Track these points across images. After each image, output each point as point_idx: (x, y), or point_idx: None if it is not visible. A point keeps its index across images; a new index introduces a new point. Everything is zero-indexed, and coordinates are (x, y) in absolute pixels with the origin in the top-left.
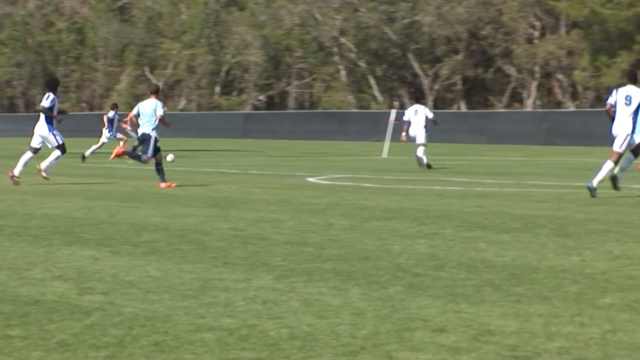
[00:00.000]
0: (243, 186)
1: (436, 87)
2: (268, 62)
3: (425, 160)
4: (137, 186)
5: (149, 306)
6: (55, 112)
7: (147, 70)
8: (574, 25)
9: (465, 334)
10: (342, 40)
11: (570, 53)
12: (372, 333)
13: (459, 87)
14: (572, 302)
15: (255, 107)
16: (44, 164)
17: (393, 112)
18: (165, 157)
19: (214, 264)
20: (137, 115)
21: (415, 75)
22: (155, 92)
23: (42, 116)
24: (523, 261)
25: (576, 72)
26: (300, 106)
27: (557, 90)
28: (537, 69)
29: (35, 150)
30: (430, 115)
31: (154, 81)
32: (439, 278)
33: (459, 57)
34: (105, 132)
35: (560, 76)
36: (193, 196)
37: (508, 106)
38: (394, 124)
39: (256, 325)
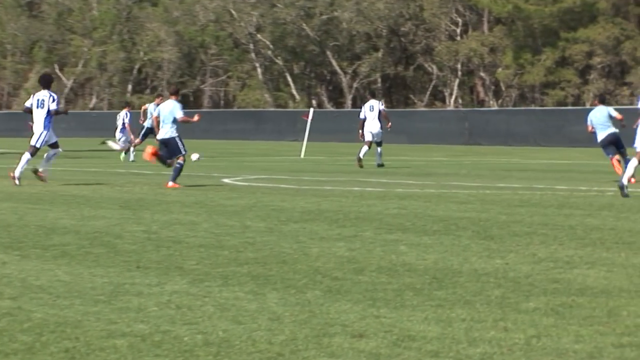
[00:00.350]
0: (156, 187)
1: (355, 85)
2: (182, 59)
3: (379, 160)
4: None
5: (59, 311)
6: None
7: (56, 67)
8: (497, 21)
9: (385, 339)
10: (259, 36)
11: (493, 50)
12: (290, 339)
13: (379, 85)
14: (495, 307)
15: None
16: (40, 167)
17: (311, 111)
18: (190, 156)
19: (127, 268)
20: (157, 117)
21: (333, 73)
22: (175, 93)
23: (41, 116)
24: (445, 264)
25: (499, 70)
26: (216, 105)
27: (479, 89)
28: (459, 66)
29: (35, 150)
30: (382, 108)
31: (63, 79)
32: (358, 282)
33: (379, 54)
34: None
35: (482, 74)
36: (104, 197)
37: (429, 105)
38: (311, 122)
39: (170, 331)
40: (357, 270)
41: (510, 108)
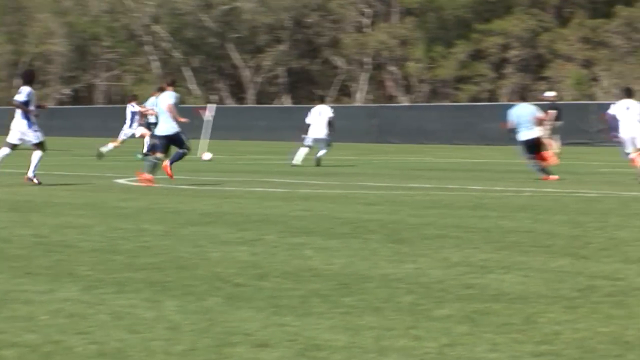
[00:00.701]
0: (46, 188)
1: (258, 79)
2: (73, 52)
3: (319, 162)
4: None
5: None
6: (32, 107)
7: None
8: (408, 12)
9: (290, 349)
10: (155, 28)
11: (403, 43)
12: (189, 349)
13: (283, 79)
14: (406, 314)
15: (60, 102)
16: (30, 172)
17: (212, 107)
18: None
19: (15, 274)
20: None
21: (235, 66)
22: (172, 84)
23: (19, 111)
24: (353, 269)
25: (410, 64)
26: (109, 101)
27: (389, 84)
28: (367, 60)
29: (13, 146)
30: (331, 116)
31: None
32: (261, 288)
33: (283, 47)
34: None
35: (392, 68)
36: None
37: (336, 100)
38: (211, 119)
39: (61, 340)
40: (259, 275)
41: (421, 104)
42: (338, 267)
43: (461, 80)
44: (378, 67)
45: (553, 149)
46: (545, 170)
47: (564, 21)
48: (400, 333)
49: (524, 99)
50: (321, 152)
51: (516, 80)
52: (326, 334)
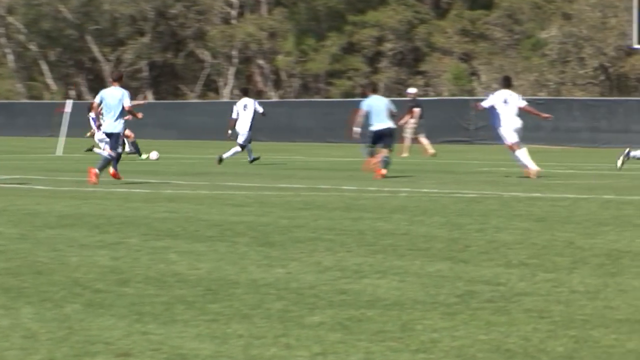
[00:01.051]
0: None
1: None
2: None
3: (251, 157)
4: None
5: None
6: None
7: None
8: (277, 3)
9: (154, 358)
10: (9, 19)
11: (272, 35)
12: (47, 359)
13: (146, 74)
14: (276, 321)
15: None
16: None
17: (69, 103)
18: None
19: None
20: (99, 105)
21: (94, 60)
22: (119, 79)
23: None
24: (220, 274)
25: (279, 57)
26: None
27: (257, 78)
28: (234, 53)
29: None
30: (260, 110)
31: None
32: (123, 294)
33: (145, 39)
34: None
35: (261, 61)
36: None
37: (202, 96)
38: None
39: None
40: (121, 281)
41: (292, 100)
42: (204, 272)
43: (334, 74)
44: (246, 60)
45: (426, 147)
46: (384, 163)
47: (441, 12)
48: (270, 341)
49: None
50: (229, 153)
51: (391, 74)
52: (192, 343)
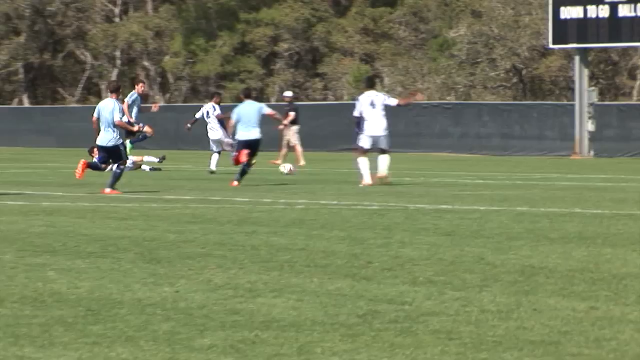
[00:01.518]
0: None
1: None
2: None
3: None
4: None
5: None
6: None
7: None
8: (164, 0)
9: None
10: None
11: (159, 35)
12: None
13: (22, 76)
14: (163, 344)
15: None
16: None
17: None
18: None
19: None
20: (98, 119)
21: None
22: (116, 91)
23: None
24: (102, 293)
25: (167, 59)
26: None
27: (143, 81)
28: (118, 54)
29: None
30: (219, 114)
31: None
32: None
33: (21, 39)
34: None
35: (147, 63)
36: None
37: (83, 100)
38: None
39: None
40: None
41: (180, 104)
42: (85, 291)
43: (225, 77)
44: (131, 62)
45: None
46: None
47: (341, 10)
48: None
49: (247, 96)
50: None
51: (288, 77)
52: None
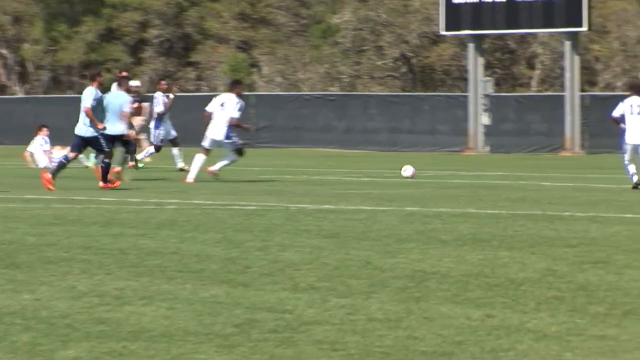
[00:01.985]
0: None
1: None
2: None
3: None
4: None
5: None
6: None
7: None
8: None
9: None
10: None
11: (18, 20)
12: None
13: None
14: (23, 356)
15: None
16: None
17: None
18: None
19: None
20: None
21: None
22: (92, 79)
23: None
24: None
25: (26, 46)
26: None
27: (0, 70)
28: None
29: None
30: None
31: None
32: None
33: None
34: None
35: (4, 51)
36: None
37: None
38: None
39: None
40: None
41: (40, 96)
42: None
43: (89, 65)
44: None
45: (144, 150)
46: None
47: None
48: None
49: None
50: (177, 159)
51: (158, 66)
52: None
